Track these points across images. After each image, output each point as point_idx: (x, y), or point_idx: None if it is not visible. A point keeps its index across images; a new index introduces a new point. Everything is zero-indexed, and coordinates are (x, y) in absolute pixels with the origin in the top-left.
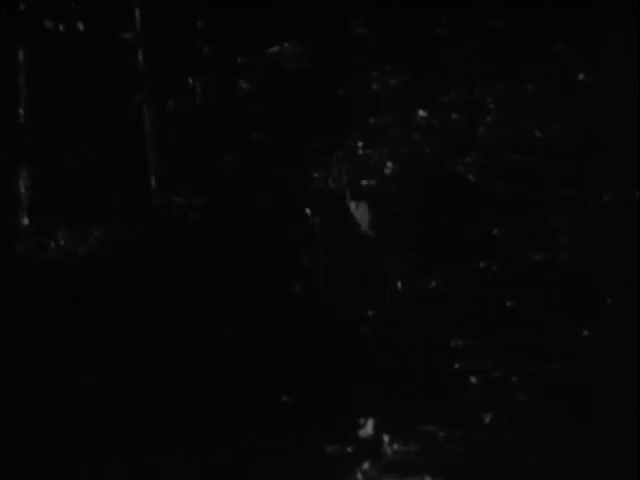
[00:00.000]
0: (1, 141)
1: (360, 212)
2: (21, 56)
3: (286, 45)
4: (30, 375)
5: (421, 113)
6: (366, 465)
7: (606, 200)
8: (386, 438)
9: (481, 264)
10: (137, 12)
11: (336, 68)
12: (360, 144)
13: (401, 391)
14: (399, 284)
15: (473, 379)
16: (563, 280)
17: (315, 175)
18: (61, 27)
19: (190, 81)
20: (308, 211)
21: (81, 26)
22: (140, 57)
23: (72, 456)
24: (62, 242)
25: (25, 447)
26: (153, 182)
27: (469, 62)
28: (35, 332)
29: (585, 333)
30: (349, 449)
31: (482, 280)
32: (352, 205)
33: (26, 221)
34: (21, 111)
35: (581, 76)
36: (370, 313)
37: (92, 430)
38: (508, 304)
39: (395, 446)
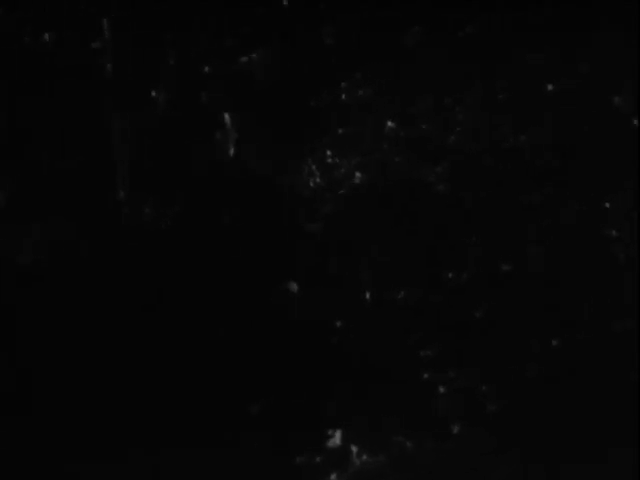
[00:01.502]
0: None
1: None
2: None
3: (254, 55)
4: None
5: (390, 123)
6: (334, 476)
7: (577, 209)
8: (354, 449)
9: (450, 274)
10: (105, 21)
11: (305, 78)
12: (329, 154)
13: (370, 401)
14: (367, 294)
15: (442, 389)
16: (533, 289)
17: (284, 183)
18: (30, 35)
19: (159, 90)
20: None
21: (50, 34)
22: (109, 66)
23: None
24: (30, 250)
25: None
26: (122, 192)
27: (438, 71)
28: (7, 336)
29: (555, 343)
30: (317, 459)
31: (451, 290)
32: None
33: None
34: None
35: (550, 86)
36: (338, 323)
37: (54, 433)
38: (477, 314)
39: (363, 457)
